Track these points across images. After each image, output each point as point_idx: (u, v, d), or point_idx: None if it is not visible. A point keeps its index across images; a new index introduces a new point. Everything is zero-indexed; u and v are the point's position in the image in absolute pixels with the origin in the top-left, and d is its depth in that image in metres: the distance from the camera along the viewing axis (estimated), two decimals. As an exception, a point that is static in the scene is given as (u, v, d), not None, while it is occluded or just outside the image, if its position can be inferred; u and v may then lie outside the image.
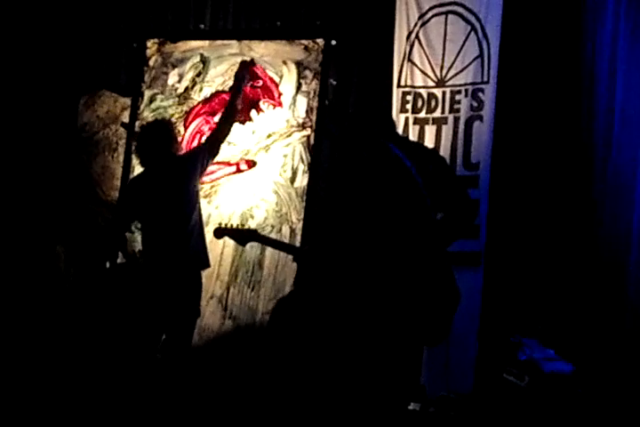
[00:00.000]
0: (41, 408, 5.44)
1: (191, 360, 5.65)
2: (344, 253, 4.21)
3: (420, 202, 4.15)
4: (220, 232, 5.22)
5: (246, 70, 5.79)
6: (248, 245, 5.87)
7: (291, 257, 5.76)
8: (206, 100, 6.23)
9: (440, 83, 5.79)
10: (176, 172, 5.40)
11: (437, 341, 4.21)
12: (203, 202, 6.01)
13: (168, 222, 5.31)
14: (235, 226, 5.28)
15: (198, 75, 6.30)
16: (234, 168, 6.04)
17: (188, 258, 5.30)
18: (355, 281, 4.15)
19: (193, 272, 5.34)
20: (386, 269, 4.09)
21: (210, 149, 5.53)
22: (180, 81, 6.33)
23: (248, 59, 5.91)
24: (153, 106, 6.35)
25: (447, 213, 4.25)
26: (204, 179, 6.03)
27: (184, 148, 6.04)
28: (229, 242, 5.93)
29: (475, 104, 5.65)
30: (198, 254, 5.35)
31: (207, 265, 5.45)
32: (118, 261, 6.14)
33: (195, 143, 6.13)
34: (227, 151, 6.06)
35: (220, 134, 5.58)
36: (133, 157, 6.04)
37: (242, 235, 5.21)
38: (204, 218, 5.92)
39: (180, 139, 5.93)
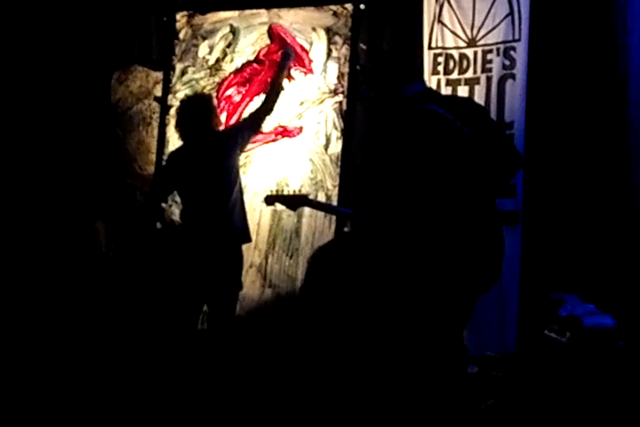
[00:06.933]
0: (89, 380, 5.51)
1: (235, 331, 5.69)
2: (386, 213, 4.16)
3: (467, 150, 4.08)
4: (270, 199, 5.22)
5: (291, 48, 5.88)
6: (285, 214, 5.92)
7: (327, 224, 5.78)
8: (237, 71, 6.22)
9: (471, 43, 5.73)
10: (216, 147, 5.45)
11: (488, 287, 4.16)
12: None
13: (208, 197, 5.36)
14: (285, 192, 5.27)
15: (229, 45, 6.29)
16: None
17: (229, 233, 5.34)
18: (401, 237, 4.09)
19: (234, 246, 5.37)
20: (432, 221, 4.03)
21: (252, 124, 5.61)
22: (210, 53, 6.33)
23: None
24: (185, 79, 6.36)
25: (494, 158, 4.19)
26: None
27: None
28: (266, 211, 5.95)
29: (507, 63, 5.58)
30: (239, 229, 5.40)
31: (248, 240, 5.50)
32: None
33: (226, 114, 6.13)
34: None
35: (264, 111, 5.65)
36: (171, 130, 6.09)
37: (292, 200, 5.19)
38: (240, 188, 5.98)
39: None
